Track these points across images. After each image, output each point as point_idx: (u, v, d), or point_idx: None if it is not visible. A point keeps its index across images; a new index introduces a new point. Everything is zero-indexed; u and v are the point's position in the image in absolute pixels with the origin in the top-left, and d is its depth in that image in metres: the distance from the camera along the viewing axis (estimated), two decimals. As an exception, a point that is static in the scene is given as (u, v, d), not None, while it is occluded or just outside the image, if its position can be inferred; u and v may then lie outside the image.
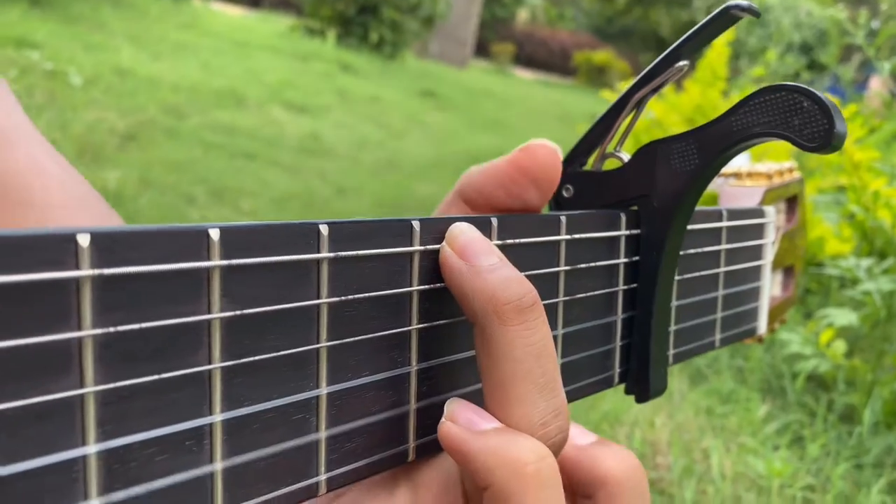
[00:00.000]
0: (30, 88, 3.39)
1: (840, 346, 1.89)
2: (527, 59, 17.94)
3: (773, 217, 0.47)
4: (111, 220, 0.38)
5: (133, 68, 4.34)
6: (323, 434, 0.24)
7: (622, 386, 0.36)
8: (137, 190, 2.61)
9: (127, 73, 4.22)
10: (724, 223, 0.41)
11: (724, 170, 0.51)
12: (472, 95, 8.10)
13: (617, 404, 1.68)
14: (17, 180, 0.36)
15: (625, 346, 0.35)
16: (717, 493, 1.41)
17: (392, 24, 8.84)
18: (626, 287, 0.34)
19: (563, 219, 0.31)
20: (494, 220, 0.28)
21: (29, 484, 0.18)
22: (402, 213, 3.29)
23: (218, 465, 0.21)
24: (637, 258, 0.34)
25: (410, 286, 0.26)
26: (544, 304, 0.30)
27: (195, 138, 3.56)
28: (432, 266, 0.26)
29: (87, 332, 0.18)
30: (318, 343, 0.23)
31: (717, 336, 0.42)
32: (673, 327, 0.38)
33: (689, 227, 0.37)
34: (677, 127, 3.12)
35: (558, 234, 0.31)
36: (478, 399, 0.27)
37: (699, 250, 0.39)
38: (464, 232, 0.26)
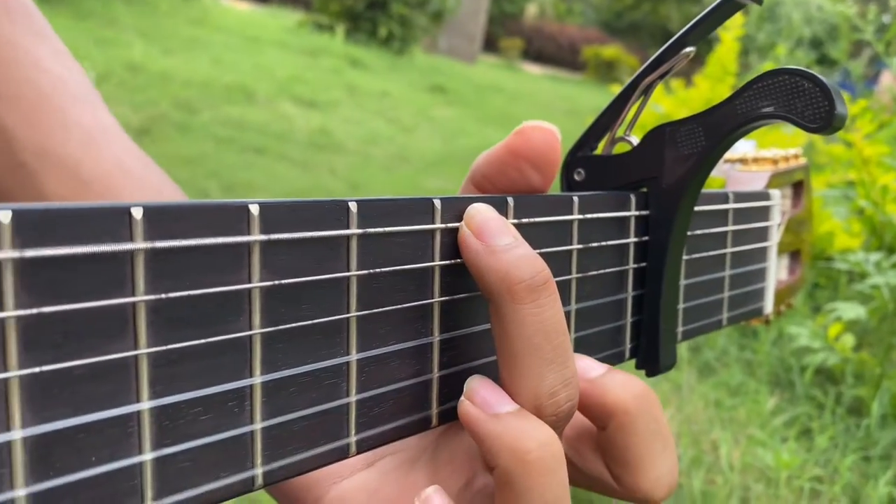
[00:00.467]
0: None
1: (848, 340, 1.90)
2: (535, 54, 17.91)
3: (779, 200, 0.48)
4: None
5: (145, 63, 4.37)
6: (353, 398, 0.25)
7: (633, 362, 0.37)
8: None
9: (139, 68, 4.25)
10: (731, 205, 0.42)
11: (731, 155, 0.52)
12: (480, 90, 8.10)
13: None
14: (101, 182, 0.38)
15: (635, 323, 0.36)
16: (725, 483, 1.42)
17: (401, 19, 8.85)
18: (636, 266, 0.36)
19: (576, 199, 0.32)
20: (511, 200, 0.30)
21: (90, 437, 0.19)
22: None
23: (258, 425, 0.23)
24: (646, 238, 0.36)
25: (433, 261, 0.27)
26: (557, 282, 0.32)
27: (207, 133, 3.59)
28: (453, 242, 0.28)
29: (141, 297, 0.20)
30: (348, 313, 0.25)
31: (725, 315, 0.43)
32: (682, 305, 0.39)
33: (697, 208, 0.38)
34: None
35: (571, 213, 0.32)
36: (494, 369, 0.29)
37: (706, 231, 0.40)
38: (480, 212, 0.28)
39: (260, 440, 0.23)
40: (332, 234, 0.24)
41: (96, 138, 0.39)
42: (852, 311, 1.81)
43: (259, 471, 0.23)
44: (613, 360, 0.36)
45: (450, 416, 0.29)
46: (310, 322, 0.24)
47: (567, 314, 0.33)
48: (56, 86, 0.39)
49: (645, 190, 0.36)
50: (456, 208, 0.28)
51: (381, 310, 0.26)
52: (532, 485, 0.25)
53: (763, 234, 0.46)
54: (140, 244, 0.20)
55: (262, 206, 0.22)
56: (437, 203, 0.27)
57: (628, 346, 0.36)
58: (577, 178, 0.37)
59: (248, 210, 0.22)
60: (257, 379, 0.23)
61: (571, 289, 0.33)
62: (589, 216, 0.33)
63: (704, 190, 0.36)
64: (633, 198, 0.35)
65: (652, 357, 0.36)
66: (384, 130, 4.90)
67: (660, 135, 0.35)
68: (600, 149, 0.37)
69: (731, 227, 0.42)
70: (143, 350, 0.20)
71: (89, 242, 0.19)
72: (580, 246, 0.33)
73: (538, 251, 0.31)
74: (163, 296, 0.20)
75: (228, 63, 5.23)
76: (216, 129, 3.71)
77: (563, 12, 21.17)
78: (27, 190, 0.37)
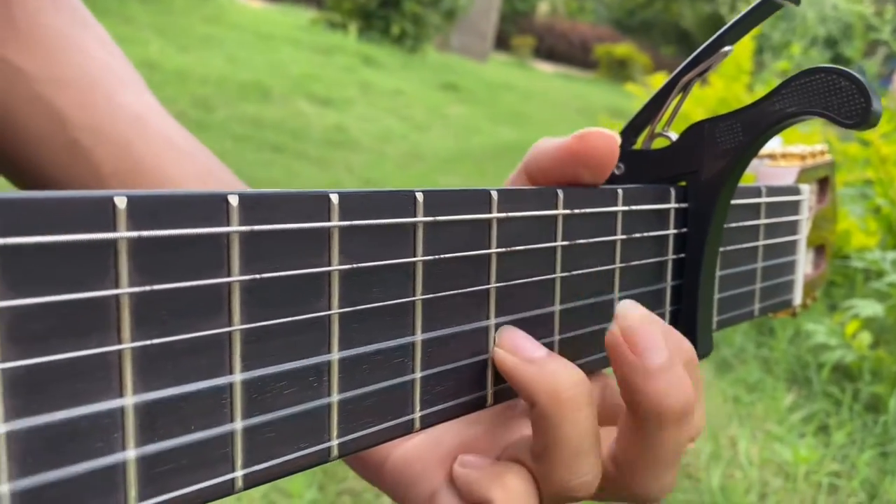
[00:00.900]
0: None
1: (865, 338, 1.90)
2: (547, 52, 17.89)
3: (808, 195, 0.49)
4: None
5: (161, 61, 4.41)
6: (418, 375, 0.27)
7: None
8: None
9: (155, 65, 4.29)
10: (763, 199, 0.43)
11: (760, 152, 0.54)
12: (492, 88, 8.11)
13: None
14: (152, 158, 0.39)
15: (674, 312, 0.38)
16: (744, 478, 1.43)
17: (414, 17, 8.87)
18: (674, 256, 0.37)
19: (621, 192, 0.34)
20: (560, 193, 0.31)
21: (189, 406, 0.21)
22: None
23: (335, 398, 0.25)
24: (685, 230, 0.37)
25: (490, 248, 0.29)
26: (601, 271, 0.33)
27: (225, 131, 3.62)
28: (508, 230, 0.30)
29: (236, 278, 0.22)
30: (414, 296, 0.27)
31: (756, 305, 0.44)
32: (717, 295, 0.41)
33: (732, 202, 0.40)
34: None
35: (616, 205, 0.34)
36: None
37: (740, 224, 0.42)
38: (635, 318, 0.30)
39: (336, 414, 0.25)
40: (402, 221, 0.26)
41: (144, 117, 0.41)
42: (870, 308, 1.81)
43: (335, 443, 0.25)
44: (654, 346, 0.37)
45: (503, 395, 0.30)
46: (381, 303, 0.26)
47: (610, 302, 0.34)
48: (102, 70, 0.41)
49: (684, 184, 0.37)
50: (511, 199, 0.30)
51: (444, 294, 0.28)
52: (566, 418, 0.28)
53: (793, 227, 0.48)
54: (236, 227, 0.22)
55: (342, 195, 0.24)
56: (494, 194, 0.29)
57: (668, 333, 0.38)
58: (616, 171, 0.38)
59: (329, 199, 0.24)
60: (335, 355, 0.25)
61: (615, 278, 0.34)
62: (633, 208, 0.34)
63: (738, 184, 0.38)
64: (672, 191, 0.37)
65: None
66: (398, 128, 4.92)
67: (699, 131, 0.36)
68: (639, 143, 0.39)
69: (763, 221, 0.44)
70: (237, 326, 0.22)
71: (192, 226, 0.21)
72: (624, 237, 0.34)
73: (585, 240, 0.32)
74: (256, 276, 0.22)
75: (243, 61, 5.26)
76: (234, 126, 3.74)
77: (574, 10, 21.13)
78: (82, 166, 0.39)
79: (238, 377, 0.22)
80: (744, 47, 3.32)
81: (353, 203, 0.24)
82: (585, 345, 0.33)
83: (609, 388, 0.35)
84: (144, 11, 5.70)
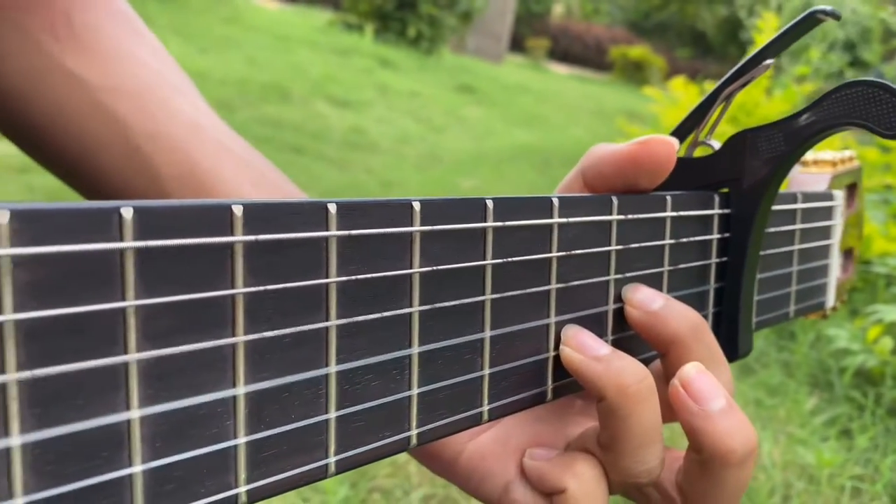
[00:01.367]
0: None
1: (887, 343, 1.90)
2: (562, 53, 17.88)
3: (841, 200, 0.51)
4: (296, 193, 0.44)
5: (181, 62, 4.40)
6: (486, 371, 0.29)
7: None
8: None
9: (176, 68, 4.32)
10: (799, 205, 0.45)
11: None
12: (508, 90, 8.13)
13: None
14: (209, 161, 0.41)
15: (716, 313, 0.40)
16: (768, 480, 1.44)
17: (430, 19, 8.90)
18: (717, 260, 0.39)
19: (669, 198, 0.36)
20: (615, 199, 0.33)
21: (291, 396, 0.23)
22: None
23: (415, 391, 0.27)
24: (728, 234, 0.39)
25: (551, 252, 0.31)
26: (651, 273, 0.35)
27: (246, 132, 3.61)
28: (568, 236, 0.31)
29: (334, 279, 0.24)
30: (484, 296, 0.29)
31: (792, 308, 0.46)
32: (755, 298, 0.42)
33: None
34: (721, 124, 3.11)
35: (665, 211, 0.36)
36: None
37: (777, 229, 0.43)
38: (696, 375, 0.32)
39: (415, 405, 0.27)
40: (473, 226, 0.28)
41: (199, 122, 0.43)
42: (892, 313, 1.82)
43: (414, 432, 0.27)
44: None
45: (562, 391, 0.32)
46: (455, 302, 0.28)
47: None
48: (157, 78, 0.43)
49: (726, 190, 0.39)
50: (570, 205, 0.31)
51: (510, 294, 0.30)
52: (633, 411, 0.30)
53: (826, 232, 0.49)
54: (334, 231, 0.24)
55: (423, 202, 0.26)
56: (556, 201, 0.31)
57: (711, 333, 0.39)
58: (661, 179, 0.40)
59: (412, 206, 0.26)
60: (415, 350, 0.27)
61: (664, 280, 0.36)
62: (681, 213, 0.36)
63: None
64: (716, 197, 0.38)
65: (731, 345, 0.40)
66: (415, 130, 4.95)
67: (741, 140, 0.38)
68: (682, 151, 0.41)
69: (799, 226, 0.46)
70: (334, 322, 0.24)
71: (299, 230, 0.23)
72: (672, 241, 0.36)
73: (637, 244, 0.34)
74: (352, 277, 0.24)
75: (262, 62, 5.31)
76: (255, 128, 3.77)
77: (589, 12, 21.11)
78: (143, 174, 0.41)
79: (333, 369, 0.24)
80: (763, 51, 3.31)
81: (432, 210, 0.26)
82: (636, 343, 0.35)
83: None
84: (162, 12, 5.75)
